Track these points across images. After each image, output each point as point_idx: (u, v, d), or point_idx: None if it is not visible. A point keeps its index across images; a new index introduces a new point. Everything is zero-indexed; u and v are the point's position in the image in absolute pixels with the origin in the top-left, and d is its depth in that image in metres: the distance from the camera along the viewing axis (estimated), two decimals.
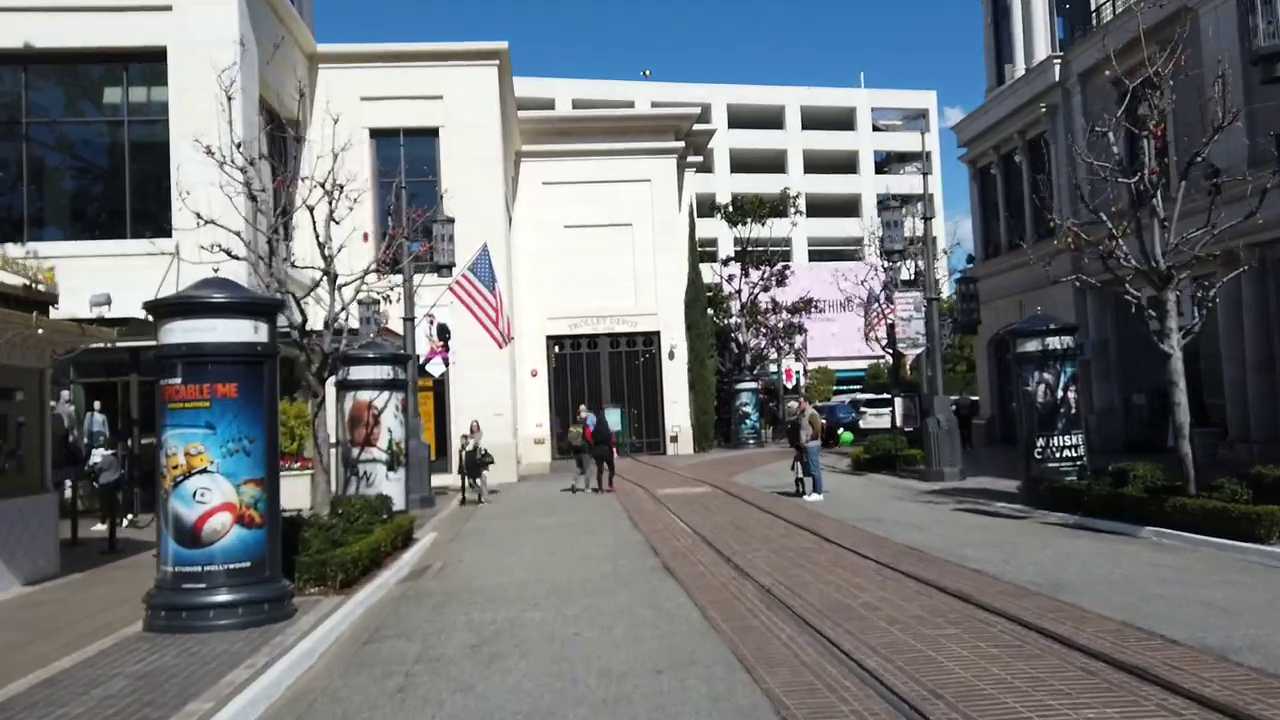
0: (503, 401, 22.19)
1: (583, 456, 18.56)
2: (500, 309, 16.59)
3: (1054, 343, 13.48)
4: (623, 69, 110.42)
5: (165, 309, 7.46)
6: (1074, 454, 13.21)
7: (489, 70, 23.31)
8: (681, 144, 31.80)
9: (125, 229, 17.34)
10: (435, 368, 17.67)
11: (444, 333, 17.71)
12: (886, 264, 27.40)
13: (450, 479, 21.87)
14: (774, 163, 62.79)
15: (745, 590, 8.09)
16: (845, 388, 57.19)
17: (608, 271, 30.73)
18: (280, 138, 18.19)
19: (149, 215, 17.35)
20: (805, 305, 37.16)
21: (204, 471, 7.19)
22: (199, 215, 10.79)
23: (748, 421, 33.41)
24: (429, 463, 16.93)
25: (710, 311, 33.95)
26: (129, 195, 17.46)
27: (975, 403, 30.25)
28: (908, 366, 30.08)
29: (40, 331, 8.98)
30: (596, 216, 30.89)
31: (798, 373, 45.30)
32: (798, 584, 8.21)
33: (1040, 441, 13.30)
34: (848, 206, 64.93)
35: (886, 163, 66.95)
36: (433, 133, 23.10)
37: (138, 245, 16.86)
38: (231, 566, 7.21)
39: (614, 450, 18.65)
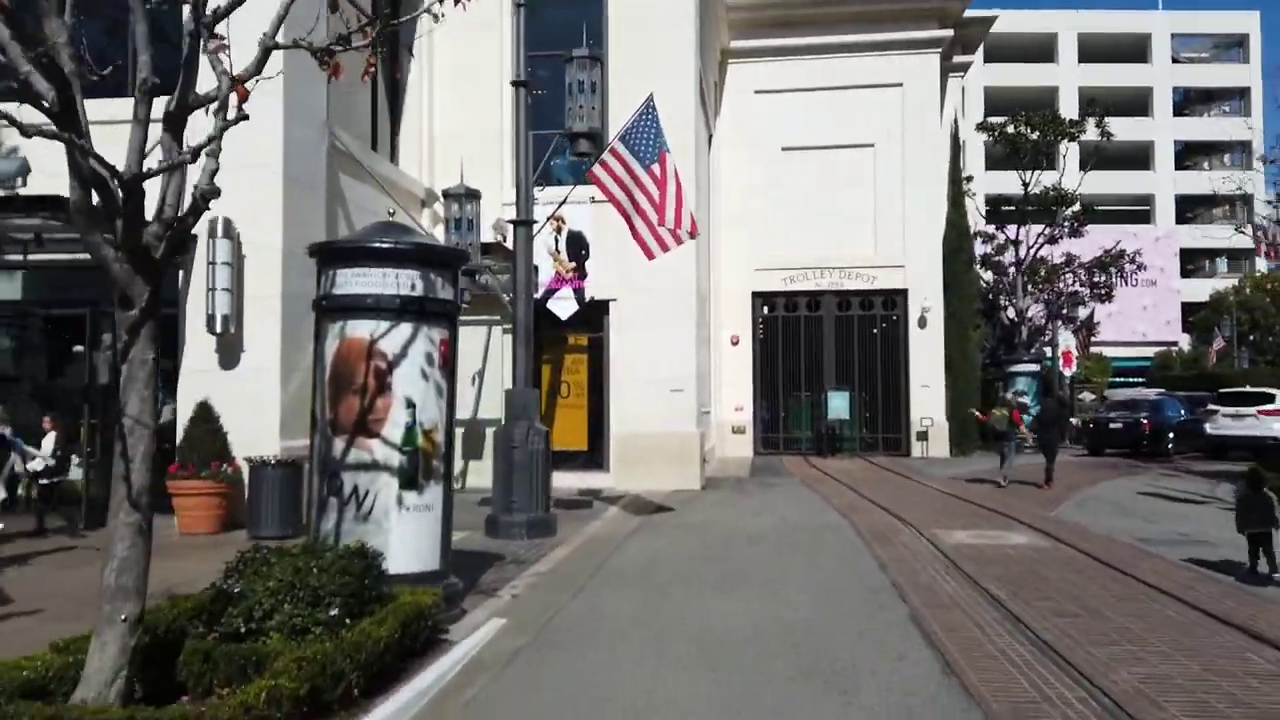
0: (685, 373, 15.10)
1: (1006, 445, 15.55)
2: (667, 190, 9.43)
3: None
4: None
5: None
6: None
7: None
8: (949, 33, 23.30)
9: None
10: (561, 306, 10.85)
11: (578, 247, 10.83)
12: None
13: (606, 479, 15.11)
14: (1041, 105, 51.57)
15: None
16: (1124, 380, 45.84)
17: (838, 209, 22.93)
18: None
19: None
20: (1114, 260, 27.35)
21: None
22: None
23: (1025, 417, 24.48)
24: (546, 461, 10.09)
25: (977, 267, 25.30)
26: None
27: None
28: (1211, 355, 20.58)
29: None
30: (825, 135, 23.12)
31: (1078, 356, 35.34)
32: None
33: None
34: (1133, 157, 52.66)
35: (1188, 103, 53.89)
36: None
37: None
38: None
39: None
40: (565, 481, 15.09)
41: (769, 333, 23.52)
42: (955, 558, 8.61)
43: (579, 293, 10.60)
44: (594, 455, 15.47)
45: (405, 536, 6.05)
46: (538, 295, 10.58)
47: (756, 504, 13.01)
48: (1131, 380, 45.82)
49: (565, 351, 15.62)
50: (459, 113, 15.61)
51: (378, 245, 6.12)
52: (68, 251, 10.95)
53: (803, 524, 10.99)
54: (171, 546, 9.14)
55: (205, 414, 10.07)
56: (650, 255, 9.49)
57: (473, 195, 10.01)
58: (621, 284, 15.05)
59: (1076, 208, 27.81)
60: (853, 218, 22.96)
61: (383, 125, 15.08)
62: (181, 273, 10.75)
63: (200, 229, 10.48)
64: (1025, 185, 27.23)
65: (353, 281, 6.11)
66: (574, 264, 10.67)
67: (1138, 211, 53.29)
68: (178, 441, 10.29)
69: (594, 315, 15.36)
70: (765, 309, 23.57)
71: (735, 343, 22.97)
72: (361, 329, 6.10)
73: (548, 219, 10.65)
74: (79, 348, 11.44)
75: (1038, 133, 26.32)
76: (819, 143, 23.21)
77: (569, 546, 9.38)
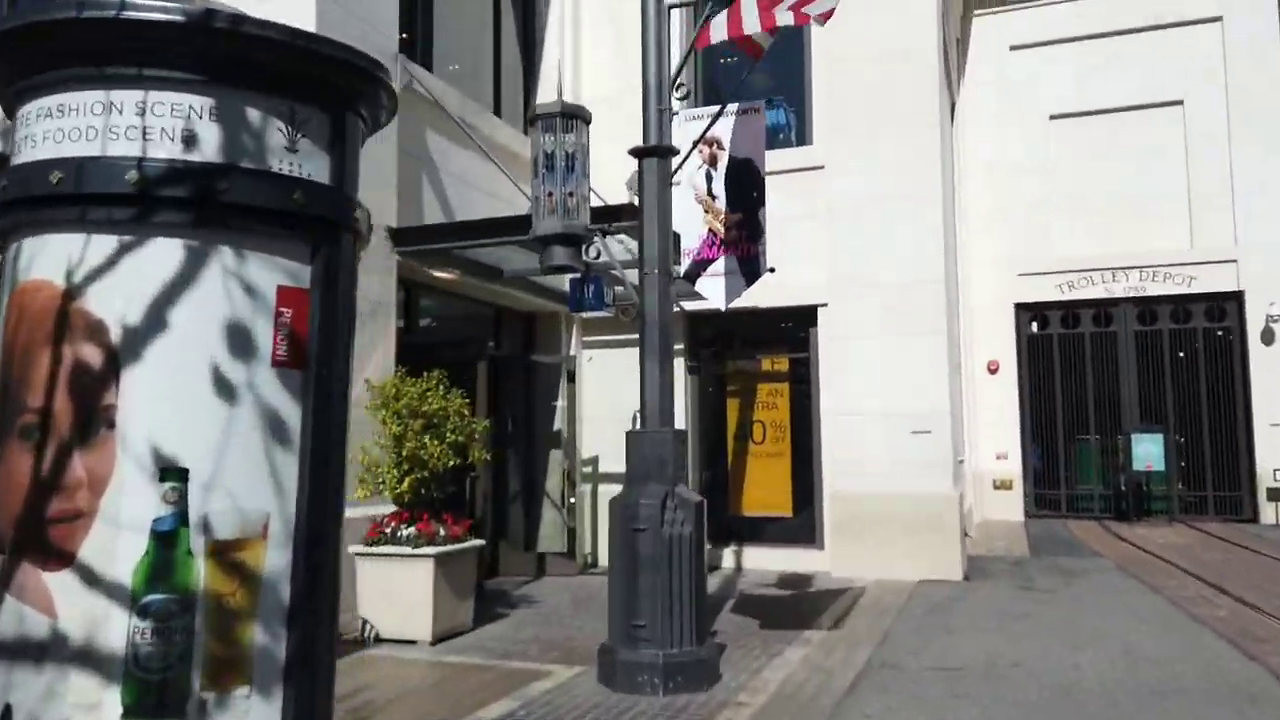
0: (934, 406, 10.32)
1: None
2: None
3: None
4: None
5: None
6: None
7: None
8: None
9: None
10: (715, 286, 6.55)
11: (747, 185, 6.53)
12: None
13: (819, 559, 10.59)
14: None
15: None
16: None
17: (1134, 190, 17.17)
18: None
19: None
20: None
21: None
22: None
23: None
24: (699, 553, 5.82)
25: None
26: None
27: None
28: None
29: None
30: (1110, 95, 17.52)
31: None
32: None
33: None
34: None
35: None
36: None
37: None
38: None
39: None
40: (759, 561, 10.77)
41: (1040, 356, 17.95)
42: None
43: (749, 263, 6.31)
44: (801, 524, 10.97)
45: None
46: (678, 272, 6.41)
47: (1066, 617, 7.97)
48: None
49: (757, 379, 11.32)
50: (617, 70, 11.83)
51: (84, 15, 2.20)
52: None
53: (1180, 676, 5.95)
54: None
55: None
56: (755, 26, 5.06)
57: (574, 116, 6.06)
58: (835, 280, 10.62)
59: None
60: (1155, 200, 17.12)
61: (513, 89, 11.65)
62: None
63: None
64: None
65: (38, 132, 2.24)
66: (738, 215, 6.39)
67: None
68: None
69: (796, 326, 11.03)
70: (1034, 325, 18.04)
71: (994, 370, 17.62)
72: (48, 261, 2.19)
73: (694, 145, 6.48)
74: None
75: None
76: (1101, 105, 17.65)
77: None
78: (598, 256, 6.17)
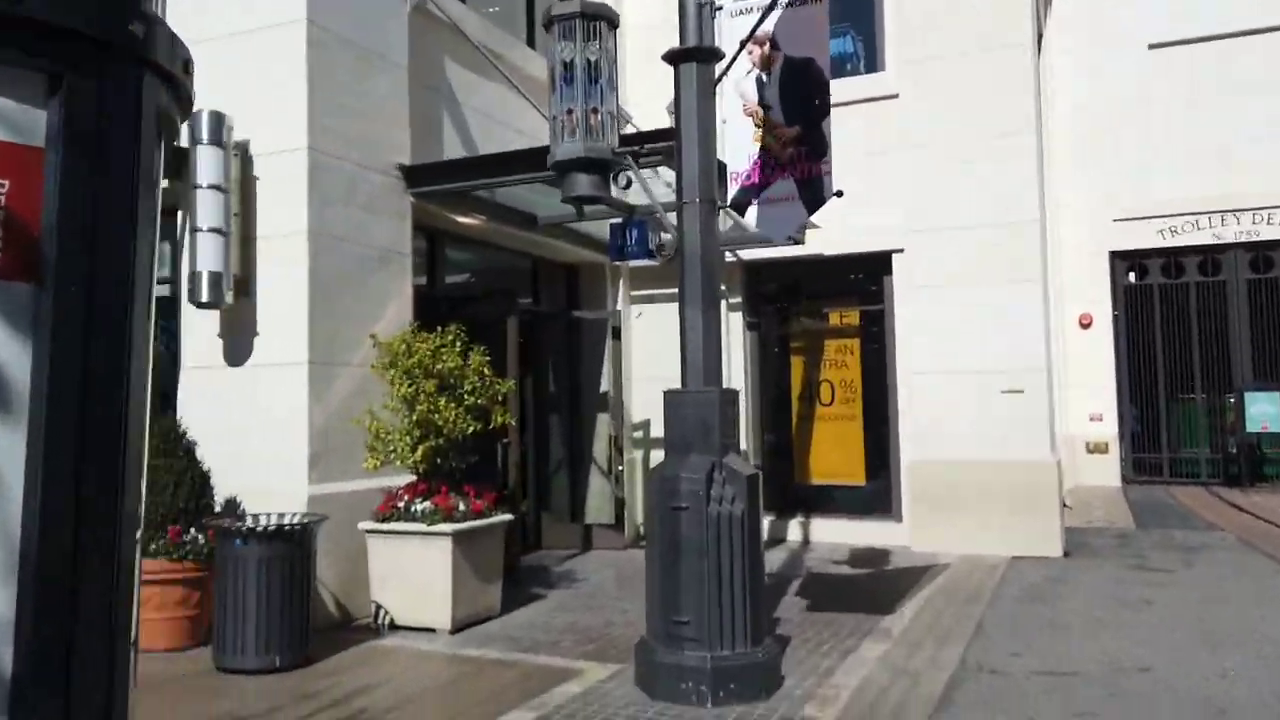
0: (1028, 363, 9.07)
1: None
2: None
3: None
4: None
5: None
6: None
7: None
8: None
9: None
10: (772, 216, 5.43)
11: (808, 93, 5.39)
12: None
13: (898, 532, 9.52)
14: None
15: None
16: None
17: (1244, 124, 15.34)
18: None
19: None
20: None
21: None
22: None
23: None
24: (754, 536, 4.84)
25: None
26: None
27: None
28: None
29: None
30: (1216, 20, 15.65)
31: None
32: None
33: None
34: None
35: None
36: None
37: None
38: None
39: None
40: (829, 534, 9.75)
41: (1138, 309, 16.35)
42: None
43: (811, 186, 5.17)
44: (875, 493, 9.88)
45: None
46: (724, 202, 5.35)
47: (1194, 605, 6.75)
48: None
49: (824, 335, 10.21)
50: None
51: None
52: None
53: None
54: None
55: (170, 440, 5.89)
56: None
57: (597, 17, 5.02)
58: (912, 223, 9.41)
59: None
60: (1269, 135, 15.28)
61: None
62: (181, 213, 6.75)
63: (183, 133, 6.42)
64: None
65: None
66: (797, 128, 5.25)
67: None
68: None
69: (868, 276, 9.88)
70: (1131, 275, 16.43)
71: (1086, 324, 16.11)
72: None
73: (742, 45, 5.35)
74: None
75: None
76: (1206, 32, 15.80)
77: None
78: (628, 186, 5.15)
